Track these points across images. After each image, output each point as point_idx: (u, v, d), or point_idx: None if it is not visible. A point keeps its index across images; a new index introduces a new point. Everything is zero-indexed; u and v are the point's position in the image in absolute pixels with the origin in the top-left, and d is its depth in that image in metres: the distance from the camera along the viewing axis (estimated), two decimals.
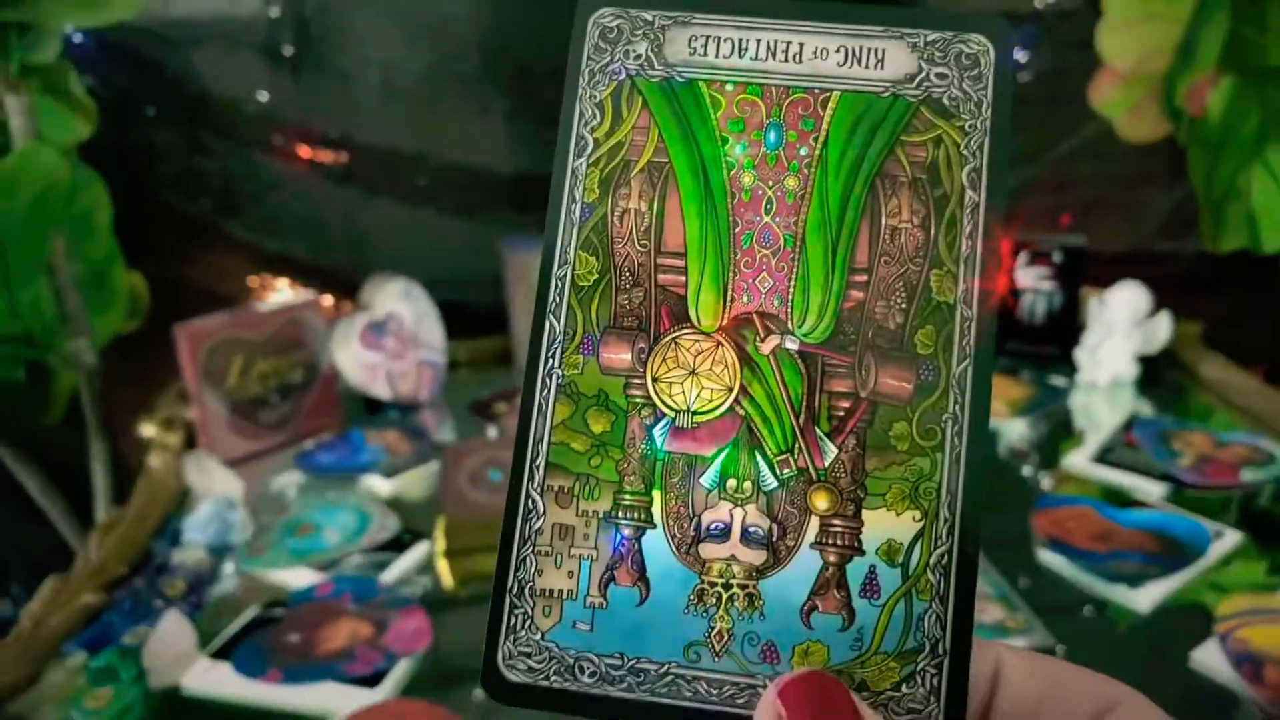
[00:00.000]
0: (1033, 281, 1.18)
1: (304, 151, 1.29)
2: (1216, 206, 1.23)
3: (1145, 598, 0.73)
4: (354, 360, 1.07)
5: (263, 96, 1.26)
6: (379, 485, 0.95)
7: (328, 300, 1.27)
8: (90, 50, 1.18)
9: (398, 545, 0.84)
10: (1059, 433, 1.04)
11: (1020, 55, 1.33)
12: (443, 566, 0.82)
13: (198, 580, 0.79)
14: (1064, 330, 1.17)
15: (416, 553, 0.83)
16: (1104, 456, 0.95)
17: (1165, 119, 1.20)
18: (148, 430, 1.02)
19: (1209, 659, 0.66)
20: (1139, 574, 0.75)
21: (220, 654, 0.71)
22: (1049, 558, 0.79)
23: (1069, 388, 1.13)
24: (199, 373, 0.97)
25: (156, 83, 1.24)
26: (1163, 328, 1.12)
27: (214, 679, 0.69)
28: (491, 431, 1.07)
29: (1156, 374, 1.14)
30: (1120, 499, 0.87)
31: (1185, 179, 1.29)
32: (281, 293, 1.30)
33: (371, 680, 0.67)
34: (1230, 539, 0.79)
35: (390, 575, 0.80)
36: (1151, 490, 0.89)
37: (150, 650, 0.69)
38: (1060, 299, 1.18)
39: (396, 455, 1.00)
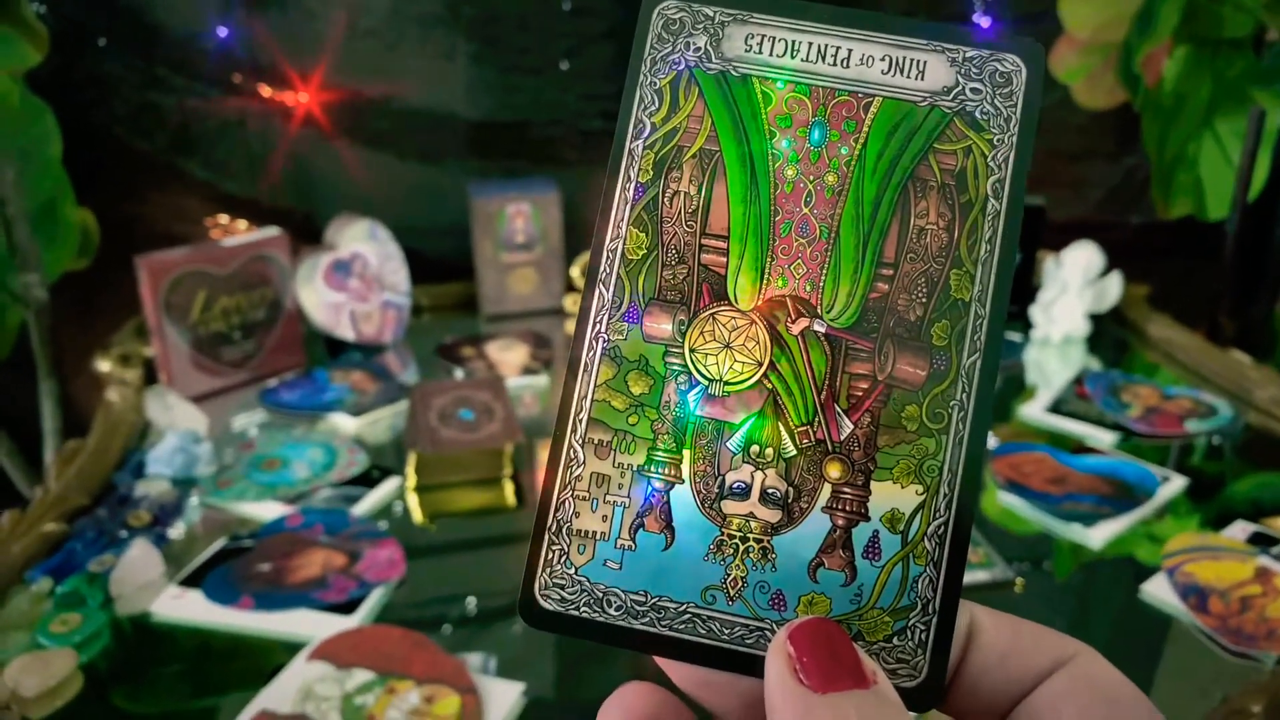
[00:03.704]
0: None
1: (264, 91, 1.26)
2: (1166, 173, 1.27)
3: (1098, 536, 0.76)
4: (318, 299, 1.06)
5: (221, 32, 1.23)
6: (345, 423, 0.95)
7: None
8: None
9: (367, 480, 0.84)
10: (1013, 386, 1.07)
11: (983, 21, 1.36)
12: (413, 501, 0.82)
13: (163, 511, 0.78)
14: (1020, 288, 1.21)
15: (386, 488, 0.83)
16: (1057, 407, 0.98)
17: (1120, 87, 1.23)
18: (104, 365, 0.99)
19: (1158, 591, 0.70)
20: (1092, 514, 0.78)
21: (189, 582, 0.70)
22: (1008, 499, 0.81)
23: (1024, 343, 1.17)
24: (160, 307, 0.95)
25: (109, 13, 1.20)
26: (1114, 286, 1.16)
27: (184, 606, 0.68)
28: (459, 374, 1.07)
29: (1103, 332, 1.18)
30: (1073, 446, 0.90)
31: (1137, 148, 1.32)
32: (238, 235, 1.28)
33: (346, 607, 0.68)
34: (1177, 483, 0.83)
35: (361, 509, 0.79)
36: (1103, 438, 0.92)
37: (117, 577, 0.69)
38: (1019, 258, 1.21)
39: (363, 394, 0.99)
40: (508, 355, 1.10)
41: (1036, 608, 0.71)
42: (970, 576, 0.71)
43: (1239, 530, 0.76)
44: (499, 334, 1.18)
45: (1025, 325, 1.18)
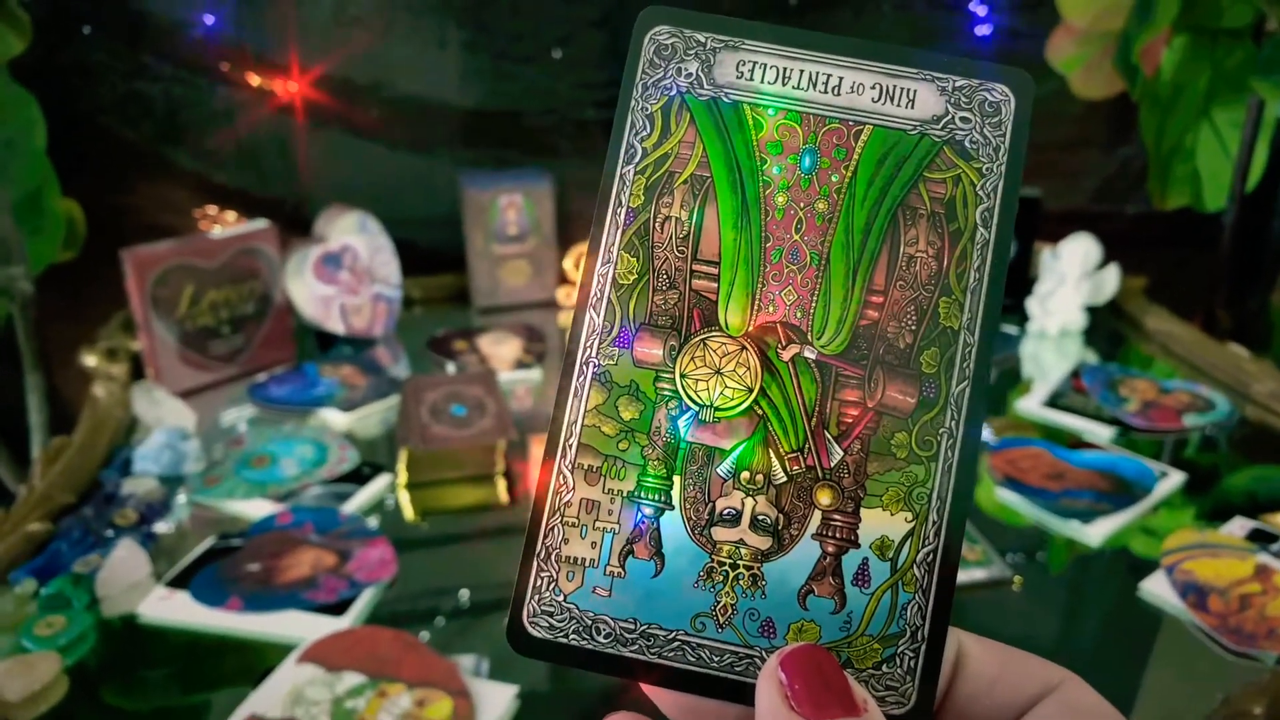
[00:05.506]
0: None
1: (252, 79, 1.24)
2: (1164, 164, 1.26)
3: (1096, 532, 0.75)
4: (308, 292, 1.05)
5: (208, 19, 1.21)
6: (335, 419, 0.94)
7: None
8: None
9: (357, 477, 0.83)
10: (1009, 380, 1.07)
11: (979, 9, 1.34)
12: (404, 499, 0.81)
13: (150, 510, 0.77)
14: (1017, 280, 1.20)
15: (377, 485, 0.82)
16: (1054, 401, 0.97)
17: (1118, 77, 1.22)
18: (90, 360, 0.98)
19: (1157, 589, 0.69)
20: (1090, 510, 0.78)
21: (176, 583, 0.69)
22: (1005, 495, 0.81)
23: (1020, 336, 1.16)
24: (147, 300, 0.93)
25: (94, 0, 1.18)
26: (1111, 279, 1.15)
27: (172, 607, 0.67)
28: (450, 368, 1.05)
29: (1099, 325, 1.17)
30: (1070, 441, 0.90)
31: (1133, 138, 1.31)
32: (227, 226, 1.26)
33: (337, 608, 0.67)
34: (1175, 478, 0.82)
35: (351, 506, 0.78)
36: (1100, 433, 0.91)
37: (103, 578, 0.68)
38: (1015, 249, 1.20)
39: (353, 390, 0.98)
40: (500, 349, 1.08)
41: (1034, 606, 0.71)
42: (967, 575, 0.70)
43: (1238, 527, 0.76)
44: (491, 327, 1.16)
45: (1022, 318, 1.18)
